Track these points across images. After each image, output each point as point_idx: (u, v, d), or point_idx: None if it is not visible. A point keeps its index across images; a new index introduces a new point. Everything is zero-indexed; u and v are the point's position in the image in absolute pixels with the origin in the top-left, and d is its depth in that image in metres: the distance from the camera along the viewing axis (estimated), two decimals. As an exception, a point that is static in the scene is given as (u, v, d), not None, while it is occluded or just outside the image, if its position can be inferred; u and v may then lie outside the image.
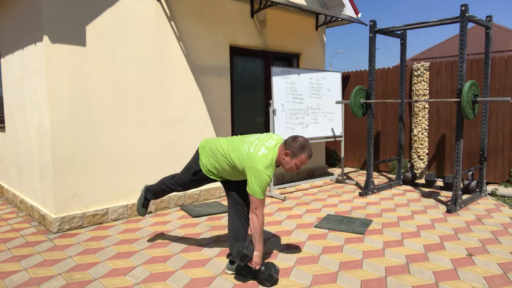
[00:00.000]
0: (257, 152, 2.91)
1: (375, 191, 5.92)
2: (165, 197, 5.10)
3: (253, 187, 2.88)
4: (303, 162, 2.93)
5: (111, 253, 3.63)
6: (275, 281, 2.98)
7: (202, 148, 3.25)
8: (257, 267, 2.97)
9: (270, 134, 3.14)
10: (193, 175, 3.31)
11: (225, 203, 5.32)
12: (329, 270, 3.24)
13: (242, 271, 3.13)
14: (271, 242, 3.88)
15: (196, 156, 3.30)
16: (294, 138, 2.94)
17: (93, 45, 4.37)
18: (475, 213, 4.81)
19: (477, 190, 5.68)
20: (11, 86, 5.22)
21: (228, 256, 3.19)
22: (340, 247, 3.74)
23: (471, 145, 6.45)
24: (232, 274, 3.17)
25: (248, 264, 2.98)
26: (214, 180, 3.30)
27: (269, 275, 2.95)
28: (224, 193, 4.83)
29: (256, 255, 2.96)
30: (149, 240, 3.96)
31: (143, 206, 3.78)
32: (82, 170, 4.37)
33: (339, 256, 3.52)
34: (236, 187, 3.19)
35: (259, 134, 3.16)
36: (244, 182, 3.11)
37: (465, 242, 3.83)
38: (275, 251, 3.64)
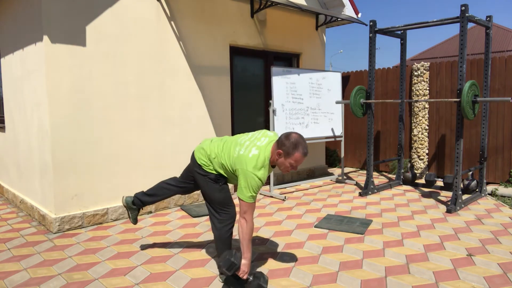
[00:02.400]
0: (248, 153, 2.72)
1: (375, 191, 5.92)
2: (165, 197, 5.09)
3: (242, 190, 2.70)
4: (298, 161, 2.70)
5: (111, 253, 3.63)
6: None
7: (197, 151, 3.05)
8: (245, 277, 2.76)
9: (264, 131, 2.93)
10: (217, 185, 2.98)
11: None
12: (329, 270, 3.23)
13: (230, 283, 2.93)
14: (271, 242, 3.88)
15: (193, 167, 3.04)
16: (287, 136, 2.70)
17: (93, 45, 4.37)
18: (475, 213, 4.81)
19: (477, 190, 5.68)
20: (11, 86, 5.22)
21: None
22: (340, 247, 3.74)
23: (471, 145, 6.45)
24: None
25: (236, 273, 2.76)
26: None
27: (258, 284, 2.74)
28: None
29: (244, 263, 2.75)
30: (149, 240, 3.96)
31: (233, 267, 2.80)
32: (82, 170, 4.37)
33: (339, 256, 3.51)
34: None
35: (252, 133, 2.95)
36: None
37: (465, 242, 3.83)
38: (275, 251, 3.63)
